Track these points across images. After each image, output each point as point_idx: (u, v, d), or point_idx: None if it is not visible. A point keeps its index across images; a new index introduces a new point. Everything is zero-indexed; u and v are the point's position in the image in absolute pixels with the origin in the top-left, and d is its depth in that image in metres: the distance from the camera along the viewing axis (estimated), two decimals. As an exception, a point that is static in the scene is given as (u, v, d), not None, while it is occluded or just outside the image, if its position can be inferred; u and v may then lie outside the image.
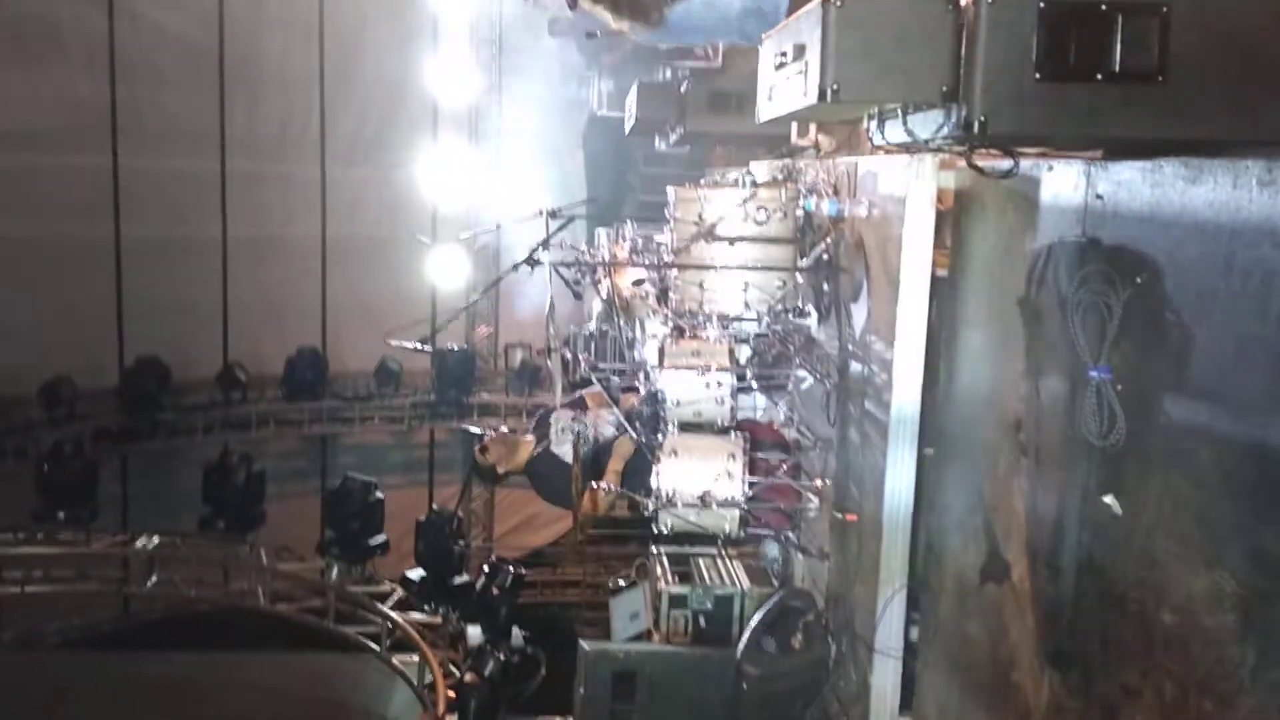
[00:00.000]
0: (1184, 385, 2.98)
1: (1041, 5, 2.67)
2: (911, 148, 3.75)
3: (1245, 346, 2.75)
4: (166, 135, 15.04)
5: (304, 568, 11.30)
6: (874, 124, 3.58)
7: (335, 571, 10.98)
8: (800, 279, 6.28)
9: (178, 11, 15.10)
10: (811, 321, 6.46)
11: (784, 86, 3.28)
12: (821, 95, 2.85)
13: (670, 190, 6.69)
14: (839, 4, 2.82)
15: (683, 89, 9.06)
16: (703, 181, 9.12)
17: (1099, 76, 2.71)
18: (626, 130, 8.96)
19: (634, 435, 6.29)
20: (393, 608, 10.32)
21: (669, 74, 10.84)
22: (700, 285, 6.38)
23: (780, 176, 7.31)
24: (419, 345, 7.28)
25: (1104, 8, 2.68)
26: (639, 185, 16.08)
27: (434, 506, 13.27)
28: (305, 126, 16.46)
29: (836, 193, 6.11)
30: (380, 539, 11.70)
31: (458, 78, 16.58)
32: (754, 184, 6.31)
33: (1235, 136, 2.73)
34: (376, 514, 11.86)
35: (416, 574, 10.58)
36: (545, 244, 6.83)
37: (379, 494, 11.79)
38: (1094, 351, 3.26)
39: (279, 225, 16.42)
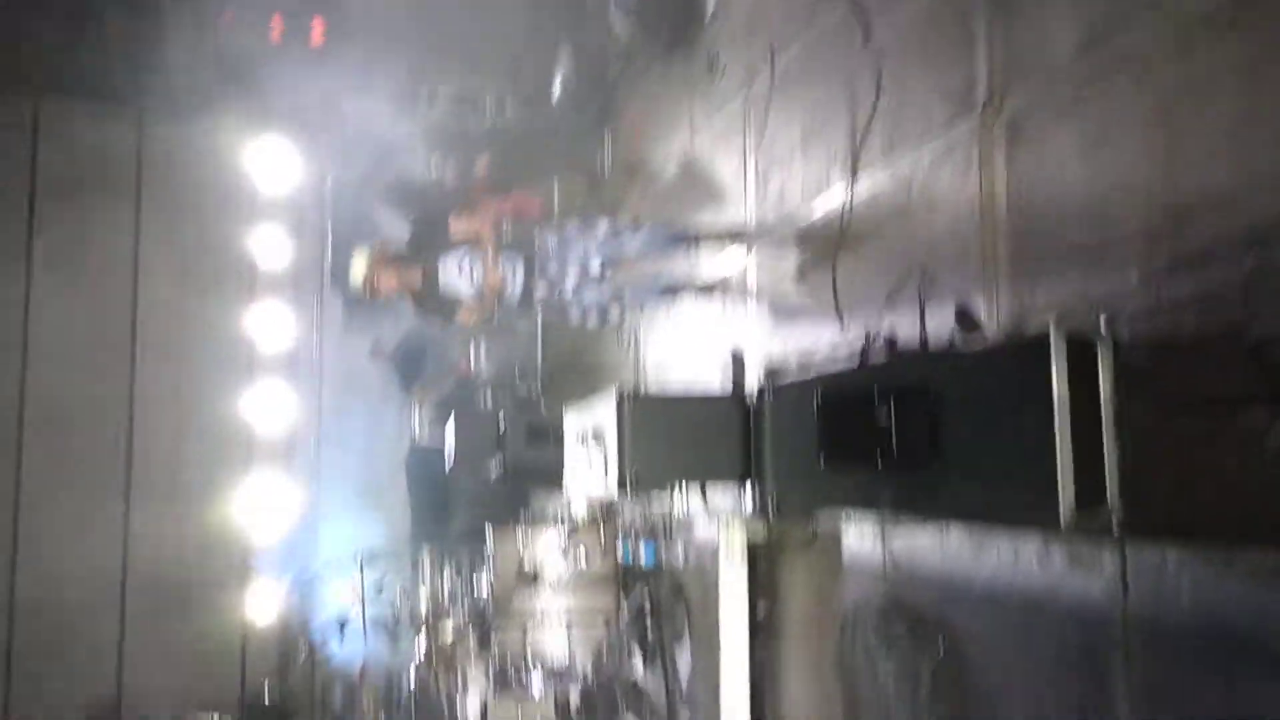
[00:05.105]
0: (998, 758, 2.98)
1: (819, 399, 2.81)
2: (714, 513, 3.82)
3: (1046, 718, 2.79)
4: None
5: None
6: (677, 491, 3.64)
7: None
8: (624, 623, 6.21)
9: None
10: (638, 667, 6.32)
11: (586, 465, 3.33)
12: (621, 485, 2.90)
13: (489, 529, 6.63)
14: (632, 401, 2.91)
15: (501, 422, 9.19)
16: (523, 514, 9.10)
17: (878, 459, 2.84)
18: (447, 470, 8.94)
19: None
20: None
21: (488, 402, 11.00)
22: (523, 632, 6.23)
23: (600, 511, 7.35)
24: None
25: (876, 398, 2.85)
26: (464, 504, 15.89)
27: None
28: (110, 462, 15.75)
29: (654, 535, 6.18)
30: None
31: (275, 408, 16.34)
32: (573, 527, 6.33)
33: (1006, 512, 2.87)
34: None
35: None
36: (361, 600, 6.58)
37: None
38: (909, 717, 3.25)
39: (75, 565, 15.31)
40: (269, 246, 15.19)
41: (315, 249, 16.31)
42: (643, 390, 3.02)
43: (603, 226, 5.44)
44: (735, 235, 5.51)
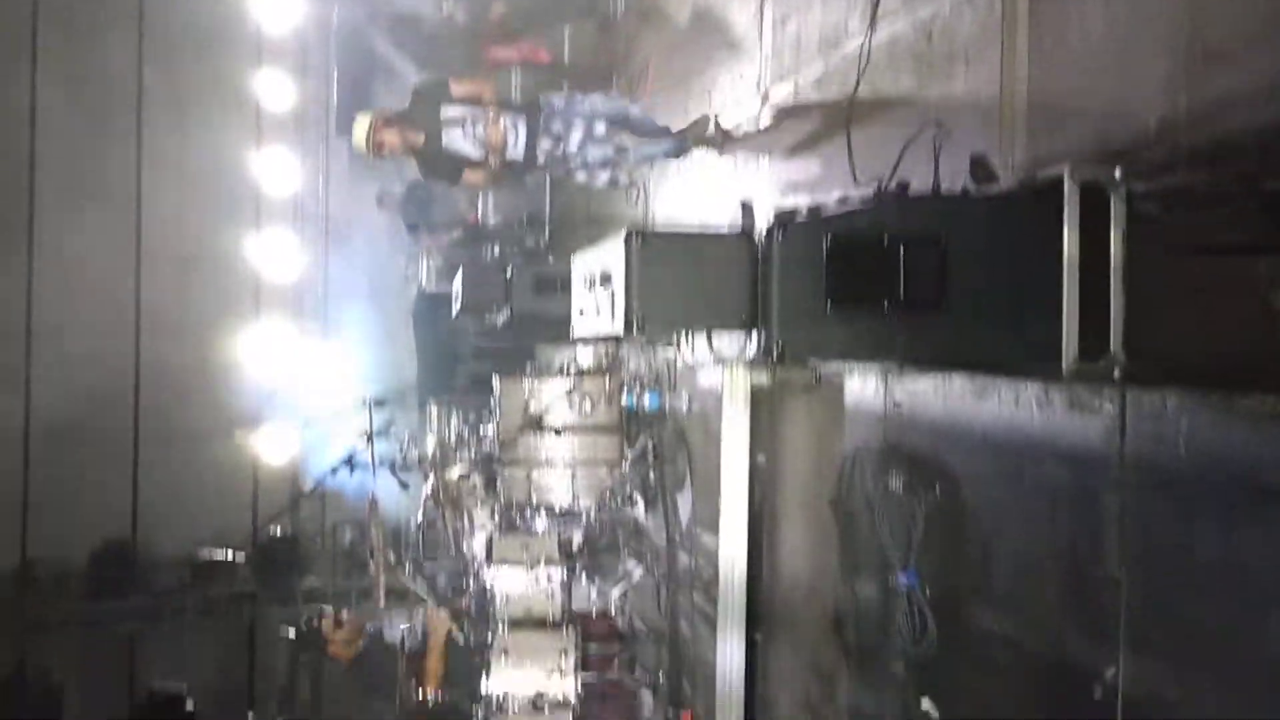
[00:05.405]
0: (987, 592, 3.09)
1: (829, 242, 2.81)
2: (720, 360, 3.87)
3: (1037, 558, 2.88)
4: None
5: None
6: (683, 336, 3.68)
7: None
8: (627, 469, 6.33)
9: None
10: (639, 511, 6.49)
11: (593, 309, 3.35)
12: (628, 326, 2.92)
13: (495, 379, 6.70)
14: (640, 240, 2.91)
15: (508, 272, 9.17)
16: (530, 366, 9.18)
17: (886, 304, 2.85)
18: (454, 314, 8.96)
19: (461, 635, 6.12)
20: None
21: (495, 253, 10.97)
22: (528, 476, 6.35)
23: (605, 360, 7.42)
24: (233, 556, 6.96)
25: (886, 242, 2.85)
26: (471, 356, 16.03)
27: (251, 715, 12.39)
28: (119, 306, 15.81)
29: (658, 384, 6.26)
30: (192, 758, 10.74)
31: (281, 254, 16.32)
32: (579, 373, 6.39)
33: (1009, 359, 2.90)
34: (187, 729, 10.92)
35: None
36: (369, 437, 6.70)
37: (190, 705, 10.88)
38: (902, 556, 3.36)
39: (87, 408, 15.55)
40: (273, 88, 14.90)
41: (320, 92, 16.01)
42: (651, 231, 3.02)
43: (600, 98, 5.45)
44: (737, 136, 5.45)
